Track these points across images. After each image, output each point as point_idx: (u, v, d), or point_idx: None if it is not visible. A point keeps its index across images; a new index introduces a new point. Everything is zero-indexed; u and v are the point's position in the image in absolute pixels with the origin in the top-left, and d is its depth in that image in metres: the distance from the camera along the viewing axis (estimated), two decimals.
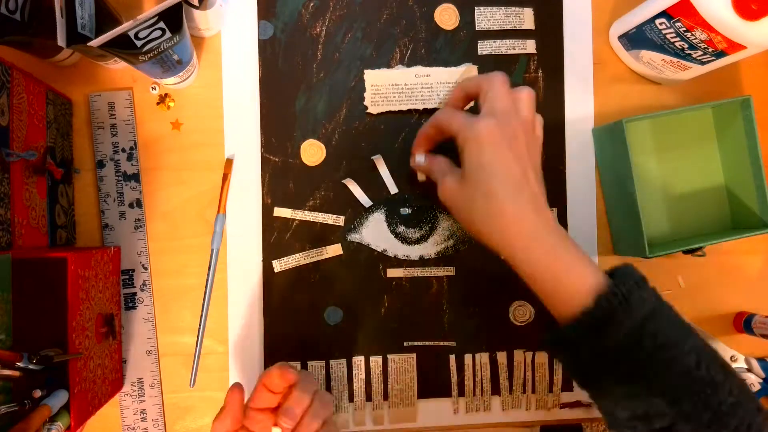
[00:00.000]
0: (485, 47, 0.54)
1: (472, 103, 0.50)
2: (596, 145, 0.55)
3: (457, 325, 0.54)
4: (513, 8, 0.54)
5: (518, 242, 0.42)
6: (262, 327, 0.53)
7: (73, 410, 0.41)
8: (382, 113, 0.53)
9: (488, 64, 0.54)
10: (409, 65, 0.54)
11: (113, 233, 0.52)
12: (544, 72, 0.55)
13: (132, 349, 0.52)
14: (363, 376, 0.53)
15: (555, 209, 0.55)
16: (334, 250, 0.53)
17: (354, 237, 0.53)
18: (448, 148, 0.47)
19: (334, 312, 0.53)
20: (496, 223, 0.42)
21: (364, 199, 0.53)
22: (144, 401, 0.52)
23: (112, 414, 0.52)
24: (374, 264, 0.53)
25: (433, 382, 0.54)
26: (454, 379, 0.54)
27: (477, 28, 0.54)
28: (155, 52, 0.43)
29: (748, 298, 0.57)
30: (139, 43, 0.41)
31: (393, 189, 0.53)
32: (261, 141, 0.53)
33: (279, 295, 0.53)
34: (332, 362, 0.53)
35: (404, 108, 0.53)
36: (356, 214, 0.53)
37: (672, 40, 0.49)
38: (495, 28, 0.54)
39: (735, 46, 0.45)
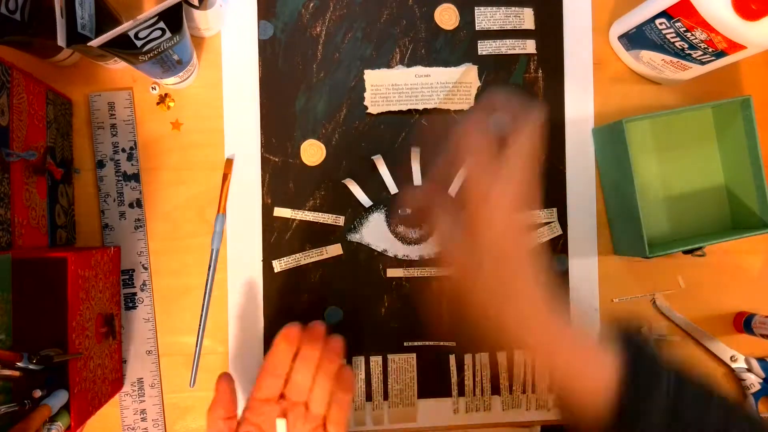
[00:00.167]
0: (485, 47, 0.54)
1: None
2: (596, 145, 0.55)
3: (457, 325, 0.54)
4: (513, 8, 0.54)
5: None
6: (262, 327, 0.53)
7: (73, 410, 0.41)
8: (382, 113, 0.53)
9: (488, 64, 0.54)
10: (409, 65, 0.54)
11: (113, 233, 0.52)
12: (544, 72, 0.55)
13: (132, 349, 0.52)
14: (363, 376, 0.53)
15: (555, 209, 0.55)
16: (334, 250, 0.53)
17: (354, 237, 0.53)
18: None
19: (334, 312, 0.53)
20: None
21: (364, 199, 0.53)
22: (144, 401, 0.52)
23: (112, 414, 0.52)
24: (374, 264, 0.53)
25: (433, 382, 0.54)
26: (454, 379, 0.54)
27: (477, 28, 0.54)
28: (155, 52, 0.43)
29: (748, 298, 0.57)
30: (139, 43, 0.41)
31: (393, 189, 0.53)
32: (261, 141, 0.53)
33: (279, 295, 0.53)
34: None
35: (404, 108, 0.53)
36: (356, 214, 0.53)
37: (672, 40, 0.49)
38: (495, 28, 0.54)
39: (735, 46, 0.45)
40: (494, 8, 0.54)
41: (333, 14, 0.53)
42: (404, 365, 0.54)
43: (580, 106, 0.55)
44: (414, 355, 0.54)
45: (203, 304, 0.52)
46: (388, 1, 0.54)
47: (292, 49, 0.53)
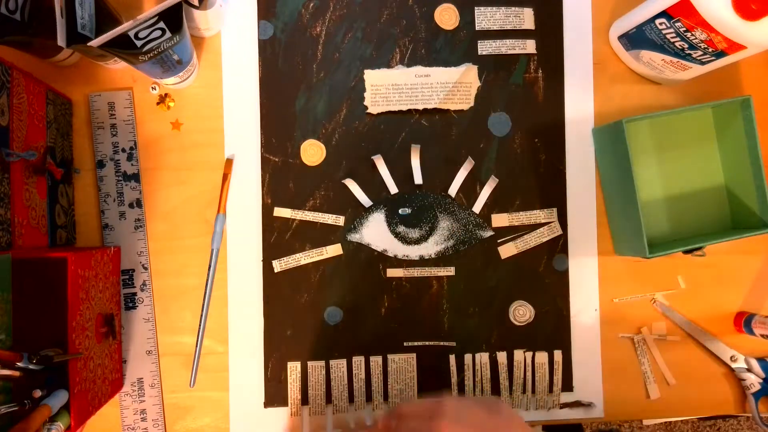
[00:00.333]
0: (485, 47, 0.54)
1: None
2: (596, 145, 0.55)
3: (457, 325, 0.54)
4: (513, 8, 0.54)
5: None
6: (262, 327, 0.53)
7: (73, 410, 0.41)
8: (382, 113, 0.53)
9: (488, 64, 0.54)
10: (409, 65, 0.54)
11: (113, 233, 0.52)
12: (544, 72, 0.55)
13: (132, 349, 0.52)
14: (363, 376, 0.53)
15: (555, 209, 0.55)
16: (334, 250, 0.53)
17: (354, 237, 0.53)
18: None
19: (334, 312, 0.53)
20: None
21: (364, 199, 0.53)
22: (144, 401, 0.52)
23: (112, 414, 0.52)
24: (374, 264, 0.53)
25: (433, 382, 0.54)
26: (454, 379, 0.54)
27: (477, 28, 0.54)
28: (155, 52, 0.43)
29: (748, 298, 0.57)
30: (139, 43, 0.41)
31: (393, 189, 0.53)
32: (261, 141, 0.53)
33: (279, 295, 0.53)
34: (332, 362, 0.53)
35: (404, 108, 0.53)
36: (356, 214, 0.53)
37: (672, 40, 0.49)
38: (495, 28, 0.54)
39: (735, 46, 0.45)
40: (494, 8, 0.54)
41: (333, 14, 0.53)
42: (404, 365, 0.54)
43: (580, 106, 0.55)
44: (414, 355, 0.54)
45: (203, 304, 0.52)
46: (388, 1, 0.54)
47: (292, 49, 0.53)
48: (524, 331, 0.55)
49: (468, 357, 0.54)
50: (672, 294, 0.56)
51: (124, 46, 0.41)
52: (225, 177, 0.52)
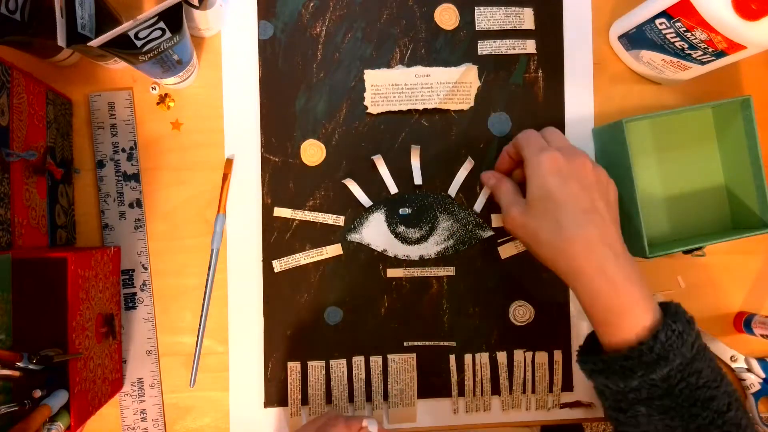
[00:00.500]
0: (485, 47, 0.54)
1: None
2: (596, 145, 0.55)
3: (457, 325, 0.54)
4: (513, 8, 0.54)
5: (584, 273, 0.42)
6: (262, 327, 0.53)
7: (73, 410, 0.41)
8: (382, 113, 0.53)
9: (488, 64, 0.54)
10: (409, 65, 0.54)
11: (113, 233, 0.52)
12: (544, 72, 0.55)
13: (132, 349, 0.52)
14: (363, 376, 0.53)
15: None
16: (334, 250, 0.53)
17: (354, 237, 0.53)
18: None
19: (334, 312, 0.53)
20: (562, 253, 0.43)
21: (364, 199, 0.53)
22: (144, 401, 0.52)
23: (112, 414, 0.52)
24: (374, 264, 0.53)
25: (433, 382, 0.54)
26: (454, 379, 0.54)
27: (477, 28, 0.54)
28: (155, 52, 0.43)
29: (748, 298, 0.57)
30: (139, 43, 0.41)
31: (393, 189, 0.53)
32: (261, 141, 0.53)
33: (279, 295, 0.53)
34: (332, 362, 0.53)
35: (404, 108, 0.53)
36: (356, 214, 0.53)
37: (672, 40, 0.49)
38: (495, 28, 0.54)
39: (735, 46, 0.45)
40: (494, 8, 0.54)
41: (333, 14, 0.53)
42: (404, 365, 0.54)
43: (580, 106, 0.55)
44: (414, 355, 0.54)
45: (203, 304, 0.52)
46: (388, 1, 0.54)
47: (292, 49, 0.53)
48: (524, 331, 0.55)
49: (468, 357, 0.54)
50: (672, 294, 0.56)
51: (124, 46, 0.41)
52: (225, 177, 0.52)
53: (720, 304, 0.57)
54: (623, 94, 0.56)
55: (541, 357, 0.55)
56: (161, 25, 0.41)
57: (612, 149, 0.52)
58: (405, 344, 0.54)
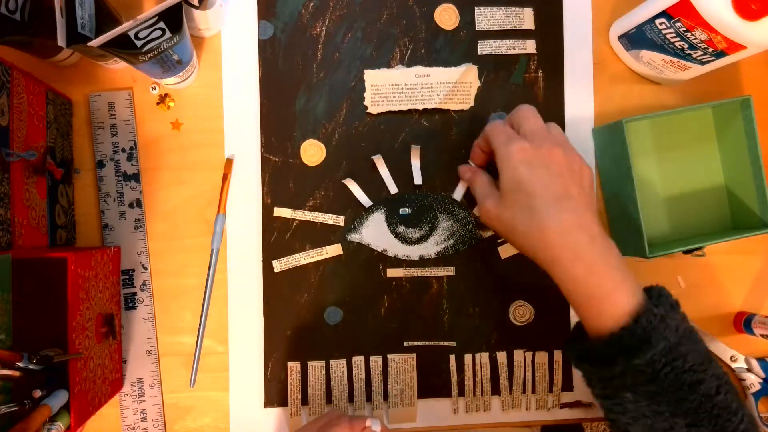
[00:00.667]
0: (485, 47, 0.54)
1: None
2: (596, 145, 0.55)
3: (457, 325, 0.54)
4: (513, 8, 0.54)
5: (560, 260, 0.42)
6: (262, 327, 0.53)
7: (73, 410, 0.41)
8: (382, 113, 0.53)
9: (488, 64, 0.54)
10: (409, 65, 0.54)
11: (113, 233, 0.52)
12: (544, 72, 0.55)
13: (132, 349, 0.52)
14: (363, 376, 0.53)
15: None
16: (334, 250, 0.53)
17: (354, 237, 0.53)
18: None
19: (334, 312, 0.53)
20: (538, 242, 0.43)
21: (364, 199, 0.53)
22: (144, 401, 0.52)
23: (112, 414, 0.52)
24: (374, 264, 0.53)
25: (433, 382, 0.54)
26: (454, 379, 0.54)
27: (477, 28, 0.54)
28: (155, 52, 0.43)
29: (748, 298, 0.57)
30: (139, 43, 0.41)
31: (393, 189, 0.53)
32: (261, 141, 0.53)
33: (279, 295, 0.53)
34: (332, 362, 0.53)
35: (404, 108, 0.53)
36: (356, 214, 0.53)
37: (672, 40, 0.49)
38: (495, 28, 0.54)
39: (735, 46, 0.45)
40: (494, 8, 0.54)
41: (333, 14, 0.53)
42: (404, 365, 0.54)
43: (580, 106, 0.55)
44: (414, 355, 0.54)
45: (203, 304, 0.52)
46: (388, 1, 0.54)
47: (292, 49, 0.53)
48: (524, 331, 0.55)
49: (468, 357, 0.54)
50: (672, 294, 0.56)
51: (124, 46, 0.41)
52: (225, 177, 0.52)
53: (720, 304, 0.57)
54: (623, 94, 0.56)
55: (541, 357, 0.55)
56: (161, 25, 0.41)
57: (612, 149, 0.52)
58: (405, 344, 0.54)
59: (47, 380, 0.41)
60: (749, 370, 0.56)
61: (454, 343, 0.54)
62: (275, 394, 0.53)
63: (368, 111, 0.53)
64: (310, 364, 0.53)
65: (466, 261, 0.54)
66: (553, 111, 0.55)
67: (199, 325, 0.52)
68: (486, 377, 0.54)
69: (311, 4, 0.53)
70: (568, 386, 0.55)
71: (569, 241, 0.41)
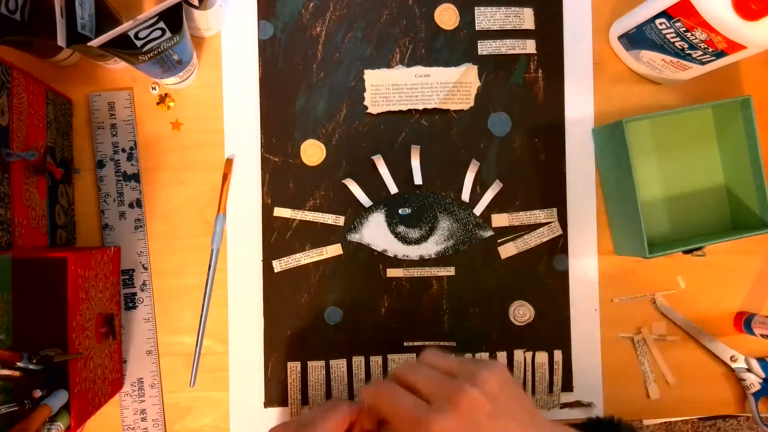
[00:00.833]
0: (485, 47, 0.54)
1: None
2: (596, 145, 0.55)
3: (457, 325, 0.54)
4: (513, 8, 0.54)
5: None
6: (262, 327, 0.53)
7: (73, 410, 0.41)
8: (382, 113, 0.53)
9: (488, 64, 0.54)
10: (409, 65, 0.54)
11: (113, 233, 0.52)
12: (544, 72, 0.55)
13: (132, 349, 0.52)
14: (363, 376, 0.53)
15: (555, 209, 0.55)
16: (334, 250, 0.53)
17: (354, 237, 0.53)
18: None
19: (334, 312, 0.53)
20: None
21: (364, 199, 0.53)
22: (144, 401, 0.52)
23: (112, 414, 0.52)
24: (374, 264, 0.53)
25: None
26: None
27: (477, 28, 0.54)
28: (155, 52, 0.43)
29: (748, 298, 0.57)
30: (139, 43, 0.41)
31: (393, 189, 0.53)
32: (261, 141, 0.53)
33: (279, 295, 0.53)
34: (332, 362, 0.53)
35: (404, 108, 0.53)
36: (356, 214, 0.53)
37: (672, 40, 0.49)
38: (495, 28, 0.54)
39: (735, 46, 0.45)
40: (494, 8, 0.54)
41: (333, 14, 0.53)
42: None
43: (580, 106, 0.55)
44: (414, 355, 0.54)
45: (203, 304, 0.52)
46: (388, 1, 0.54)
47: (292, 49, 0.53)
48: (524, 331, 0.55)
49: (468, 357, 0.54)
50: (672, 294, 0.56)
51: (124, 46, 0.41)
52: (225, 177, 0.52)
53: (720, 304, 0.57)
54: (623, 94, 0.56)
55: (541, 357, 0.55)
56: (161, 25, 0.41)
57: (612, 149, 0.52)
58: (405, 344, 0.54)
59: (47, 380, 0.41)
60: (749, 370, 0.56)
61: (454, 343, 0.54)
62: (275, 394, 0.53)
63: (368, 111, 0.53)
64: (310, 364, 0.53)
65: (466, 261, 0.54)
66: (553, 111, 0.55)
67: (199, 325, 0.52)
68: None
69: (311, 4, 0.53)
70: (568, 386, 0.55)
71: None
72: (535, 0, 0.55)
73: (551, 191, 0.55)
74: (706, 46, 0.47)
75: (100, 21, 0.46)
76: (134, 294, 0.52)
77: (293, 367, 0.53)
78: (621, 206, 0.53)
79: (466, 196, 0.54)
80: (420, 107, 0.53)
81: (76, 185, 0.52)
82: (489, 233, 0.54)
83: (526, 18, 0.54)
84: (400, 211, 0.53)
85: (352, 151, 0.53)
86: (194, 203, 0.52)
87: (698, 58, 0.49)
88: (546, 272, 0.55)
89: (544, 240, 0.55)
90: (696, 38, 0.47)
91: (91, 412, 0.44)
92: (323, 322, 0.53)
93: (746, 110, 0.51)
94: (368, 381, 0.53)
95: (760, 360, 0.56)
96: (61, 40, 0.42)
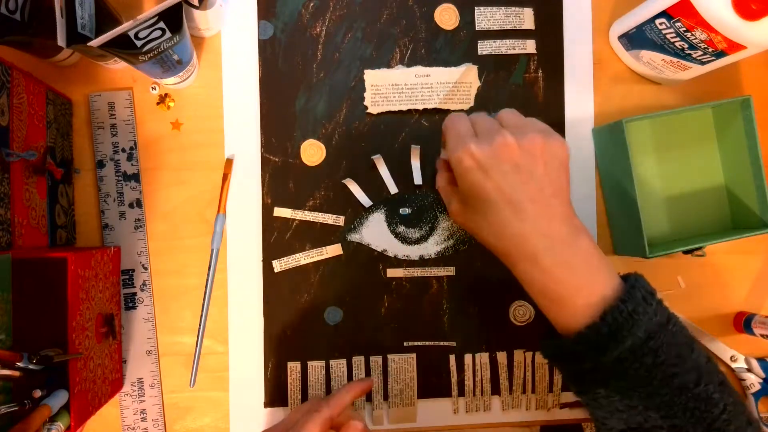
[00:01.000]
0: (485, 47, 0.54)
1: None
2: (596, 145, 0.55)
3: (457, 325, 0.54)
4: (513, 8, 0.54)
5: (518, 265, 0.41)
6: (262, 327, 0.53)
7: (73, 410, 0.41)
8: (382, 113, 0.53)
9: (488, 64, 0.54)
10: (409, 65, 0.54)
11: (113, 233, 0.52)
12: (544, 72, 0.55)
13: (132, 349, 0.52)
14: (363, 376, 0.53)
15: None
16: (334, 250, 0.53)
17: (354, 237, 0.53)
18: None
19: (334, 312, 0.53)
20: (495, 246, 0.42)
21: (364, 199, 0.53)
22: (144, 401, 0.52)
23: (112, 414, 0.52)
24: (374, 264, 0.53)
25: (433, 382, 0.54)
26: (454, 379, 0.54)
27: (477, 28, 0.54)
28: (155, 52, 0.43)
29: (748, 298, 0.57)
30: (139, 43, 0.41)
31: (393, 189, 0.53)
32: (261, 141, 0.53)
33: (279, 295, 0.53)
34: (332, 362, 0.53)
35: (404, 108, 0.53)
36: (356, 214, 0.53)
37: (672, 40, 0.49)
38: (495, 28, 0.54)
39: (735, 46, 0.45)
40: (494, 8, 0.54)
41: (333, 14, 0.53)
42: (404, 365, 0.54)
43: (580, 106, 0.55)
44: (414, 355, 0.54)
45: (203, 304, 0.52)
46: (388, 1, 0.54)
47: (292, 49, 0.53)
48: (524, 331, 0.55)
49: (468, 357, 0.54)
50: (672, 294, 0.56)
51: (124, 46, 0.41)
52: (225, 177, 0.52)
53: (720, 304, 0.57)
54: (623, 94, 0.56)
55: (541, 357, 0.55)
56: (161, 25, 0.41)
57: (612, 149, 0.52)
58: (405, 344, 0.54)
59: (47, 380, 0.41)
60: (749, 370, 0.56)
61: (454, 343, 0.54)
62: (275, 394, 0.53)
63: (368, 111, 0.53)
64: (310, 364, 0.53)
65: (466, 261, 0.54)
66: (553, 111, 0.55)
67: (199, 325, 0.52)
68: (486, 377, 0.54)
69: (311, 4, 0.53)
70: (568, 386, 0.55)
71: (526, 249, 0.40)
72: (535, 0, 0.55)
73: None
74: (706, 46, 0.47)
75: (100, 21, 0.46)
76: (134, 294, 0.52)
77: (293, 367, 0.53)
78: (621, 206, 0.53)
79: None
80: (420, 107, 0.53)
81: (76, 185, 0.52)
82: None
83: (526, 18, 0.54)
84: (400, 211, 0.53)
85: (352, 151, 0.53)
86: (194, 203, 0.52)
87: (698, 58, 0.49)
88: None
89: None
90: (696, 38, 0.47)
91: (91, 412, 0.44)
92: (323, 322, 0.53)
93: (746, 110, 0.51)
94: None
95: (760, 360, 0.56)
96: (61, 40, 0.42)
